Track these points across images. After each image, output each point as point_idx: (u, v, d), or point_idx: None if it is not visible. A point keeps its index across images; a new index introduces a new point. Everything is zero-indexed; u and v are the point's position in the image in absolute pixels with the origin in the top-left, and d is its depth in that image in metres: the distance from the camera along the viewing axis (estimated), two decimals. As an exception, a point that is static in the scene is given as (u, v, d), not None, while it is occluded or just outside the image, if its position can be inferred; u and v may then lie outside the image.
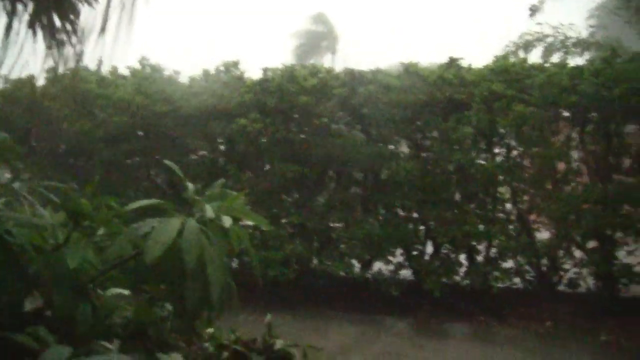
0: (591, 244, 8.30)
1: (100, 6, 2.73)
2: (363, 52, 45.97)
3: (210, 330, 3.19)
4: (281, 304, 8.72)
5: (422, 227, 8.62)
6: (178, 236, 2.35)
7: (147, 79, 9.09)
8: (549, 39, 8.58)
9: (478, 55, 9.13)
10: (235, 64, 9.03)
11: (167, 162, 3.03)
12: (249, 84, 8.77)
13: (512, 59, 8.33)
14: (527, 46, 8.79)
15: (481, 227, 8.18)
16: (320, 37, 40.23)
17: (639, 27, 7.99)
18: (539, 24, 9.20)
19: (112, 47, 2.67)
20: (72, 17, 2.83)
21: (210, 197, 2.96)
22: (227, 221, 2.68)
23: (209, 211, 2.68)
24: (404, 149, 8.64)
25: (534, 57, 9.13)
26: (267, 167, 8.73)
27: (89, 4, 2.82)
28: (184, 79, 9.22)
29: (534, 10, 9.19)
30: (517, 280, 8.40)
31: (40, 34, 2.79)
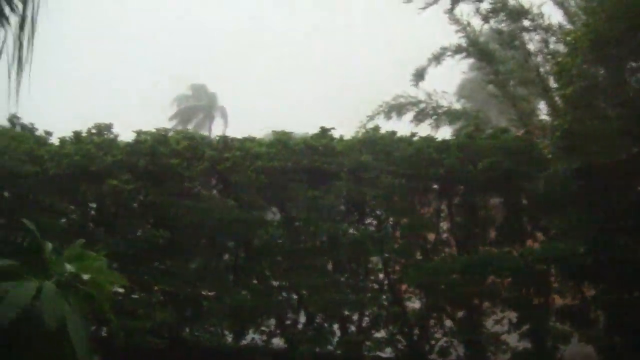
0: (460, 314, 8.45)
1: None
2: (245, 119, 46.40)
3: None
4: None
5: (294, 296, 8.53)
6: (35, 299, 2.44)
7: (15, 139, 8.71)
8: (422, 105, 8.75)
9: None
10: (108, 127, 8.83)
11: (25, 221, 3.04)
12: (121, 146, 8.59)
13: (382, 131, 8.51)
14: (400, 109, 8.86)
15: (353, 296, 8.17)
16: (198, 109, 40.89)
17: (501, 101, 8.42)
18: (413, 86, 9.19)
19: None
20: None
21: (68, 257, 3.00)
22: (86, 277, 2.81)
23: (69, 268, 2.80)
24: (275, 216, 8.63)
25: (398, 121, 9.14)
26: (139, 231, 8.46)
27: None
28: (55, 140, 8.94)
29: (418, 75, 9.17)
30: (388, 349, 8.38)
31: None
